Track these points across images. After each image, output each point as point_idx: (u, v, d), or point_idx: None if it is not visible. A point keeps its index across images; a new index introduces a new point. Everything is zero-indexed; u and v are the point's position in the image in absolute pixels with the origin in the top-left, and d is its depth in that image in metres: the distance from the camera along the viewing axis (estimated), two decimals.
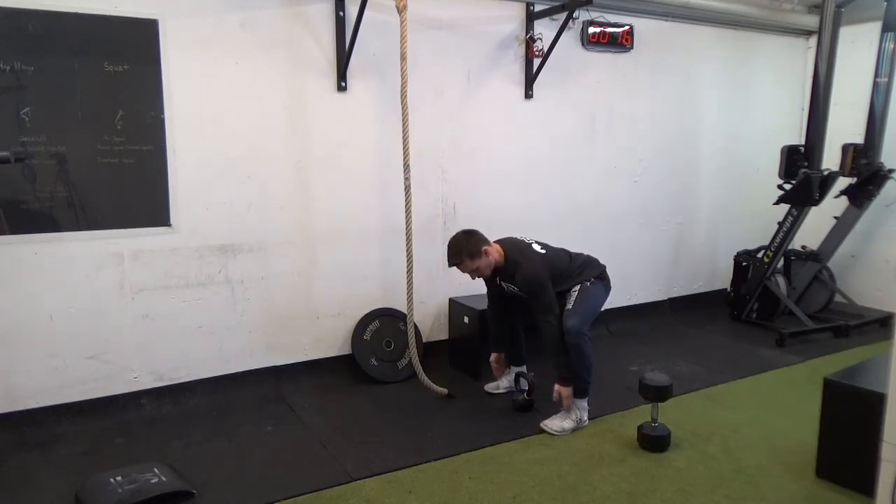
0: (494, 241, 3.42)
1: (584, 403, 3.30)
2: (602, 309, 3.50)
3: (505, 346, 3.68)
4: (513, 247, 3.40)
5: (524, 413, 3.45)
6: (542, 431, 3.23)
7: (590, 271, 3.46)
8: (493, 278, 3.47)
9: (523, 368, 3.76)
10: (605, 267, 3.53)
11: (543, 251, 3.42)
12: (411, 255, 3.56)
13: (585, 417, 3.30)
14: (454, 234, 3.40)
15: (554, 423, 3.24)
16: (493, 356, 3.66)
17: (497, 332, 3.67)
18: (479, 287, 4.23)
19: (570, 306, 3.31)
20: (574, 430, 3.25)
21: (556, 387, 3.28)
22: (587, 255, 3.57)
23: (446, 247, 3.37)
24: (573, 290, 3.37)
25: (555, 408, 3.34)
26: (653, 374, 3.13)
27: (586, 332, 3.26)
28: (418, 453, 3.01)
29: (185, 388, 3.55)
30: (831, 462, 2.76)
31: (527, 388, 3.46)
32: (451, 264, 3.36)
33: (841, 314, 5.20)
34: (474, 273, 3.37)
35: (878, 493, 1.90)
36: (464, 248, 3.29)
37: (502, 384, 3.76)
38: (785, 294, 5.12)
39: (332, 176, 3.83)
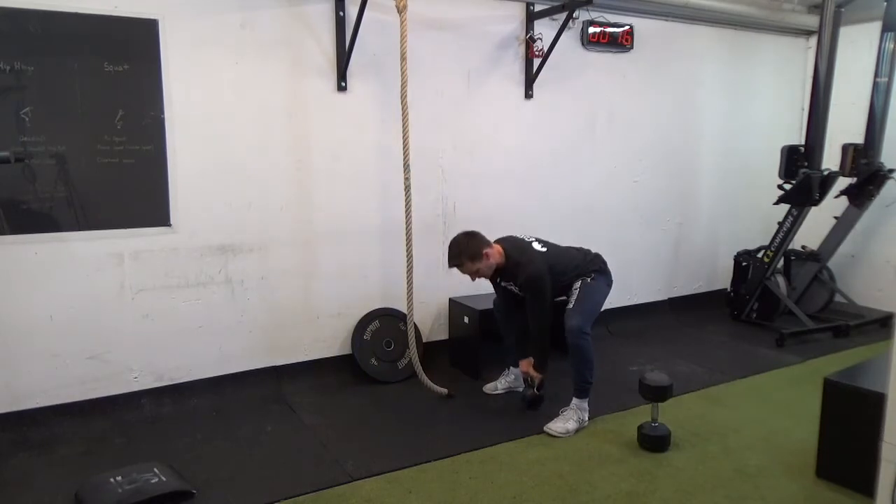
0: (495, 241, 3.42)
1: (584, 404, 3.30)
2: (603, 307, 3.49)
3: (521, 347, 3.59)
4: (513, 247, 3.40)
5: (534, 409, 3.45)
6: (542, 432, 3.23)
7: (591, 266, 3.45)
8: (495, 279, 3.48)
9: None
10: (605, 261, 3.53)
11: (544, 249, 3.43)
12: (411, 255, 3.56)
13: (586, 417, 3.30)
14: (455, 234, 3.40)
15: (557, 426, 3.23)
16: (522, 364, 3.53)
17: (516, 335, 3.59)
18: (479, 287, 4.23)
19: (571, 305, 3.31)
20: (577, 430, 3.24)
21: (529, 368, 3.40)
22: (587, 250, 3.57)
23: (447, 247, 3.37)
24: (574, 286, 3.37)
25: (557, 409, 3.34)
26: (653, 374, 3.13)
27: (588, 331, 3.26)
28: (418, 453, 3.01)
29: (185, 388, 3.55)
30: (831, 462, 2.75)
31: (536, 383, 3.45)
32: (451, 265, 3.37)
33: (841, 314, 5.20)
34: (474, 275, 3.37)
35: (878, 493, 1.90)
36: (464, 250, 3.29)
37: (500, 385, 3.76)
38: (785, 294, 5.12)
39: (332, 176, 3.83)
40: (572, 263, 3.44)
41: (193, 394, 3.56)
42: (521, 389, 3.69)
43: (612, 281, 3.53)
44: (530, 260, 3.32)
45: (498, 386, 3.76)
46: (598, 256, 3.54)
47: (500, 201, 4.41)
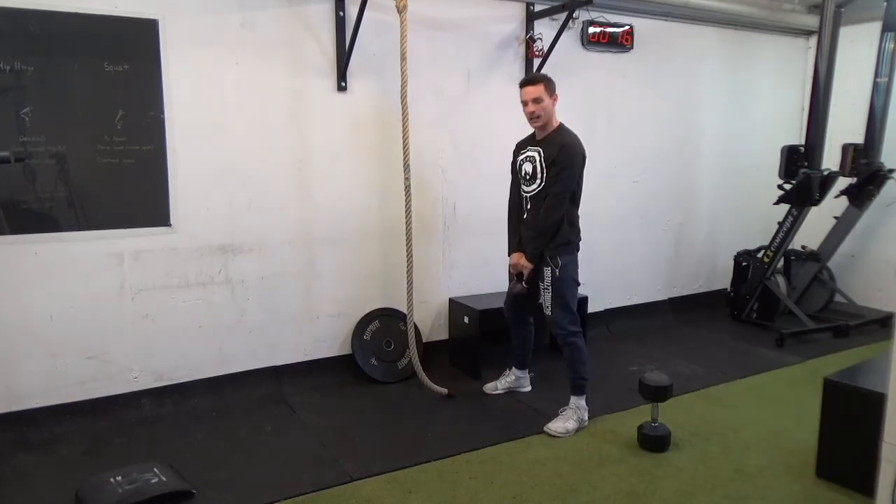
0: None
1: (582, 402, 3.30)
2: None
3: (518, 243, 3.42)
4: (570, 130, 3.31)
5: (520, 304, 3.41)
6: (542, 431, 3.23)
7: (569, 240, 3.27)
8: (523, 148, 3.37)
9: (525, 373, 3.75)
10: (579, 232, 3.37)
11: None
12: (411, 255, 3.56)
13: (586, 417, 3.30)
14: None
15: (557, 426, 3.23)
16: (513, 256, 3.39)
17: (515, 229, 3.45)
18: (479, 287, 4.24)
19: (549, 310, 3.28)
20: (577, 430, 3.24)
21: (521, 260, 3.26)
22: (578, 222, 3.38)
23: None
24: (545, 273, 3.25)
25: (556, 410, 3.34)
26: (653, 374, 3.13)
27: (576, 328, 3.28)
28: (418, 453, 3.01)
29: (185, 388, 3.55)
30: (831, 462, 2.76)
31: (526, 276, 3.32)
32: (525, 83, 3.26)
33: (841, 314, 5.20)
34: (535, 105, 3.19)
35: (878, 493, 1.91)
36: (548, 79, 3.24)
37: (500, 385, 3.76)
38: (785, 294, 5.12)
39: (332, 176, 3.83)
40: (577, 217, 3.33)
41: (193, 394, 3.55)
42: (521, 389, 3.69)
43: (579, 247, 3.36)
44: (578, 140, 3.24)
45: (498, 386, 3.76)
46: (576, 228, 3.36)
47: (501, 201, 4.37)
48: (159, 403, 3.47)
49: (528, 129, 3.41)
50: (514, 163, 3.47)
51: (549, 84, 3.23)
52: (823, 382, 2.78)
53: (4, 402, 3.15)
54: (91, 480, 2.67)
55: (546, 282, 3.28)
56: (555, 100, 3.25)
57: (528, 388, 3.77)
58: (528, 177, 3.31)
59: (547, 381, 3.84)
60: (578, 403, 3.29)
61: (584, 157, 3.25)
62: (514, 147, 3.49)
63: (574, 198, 3.29)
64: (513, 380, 3.74)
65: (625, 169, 4.98)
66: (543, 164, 3.23)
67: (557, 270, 3.24)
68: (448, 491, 2.71)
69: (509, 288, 3.49)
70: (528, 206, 3.34)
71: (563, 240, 3.25)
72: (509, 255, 3.48)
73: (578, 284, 3.37)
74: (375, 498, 2.66)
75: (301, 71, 3.66)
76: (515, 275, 3.40)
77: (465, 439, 3.15)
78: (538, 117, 3.24)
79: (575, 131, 3.31)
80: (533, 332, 3.68)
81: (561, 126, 3.30)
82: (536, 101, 3.20)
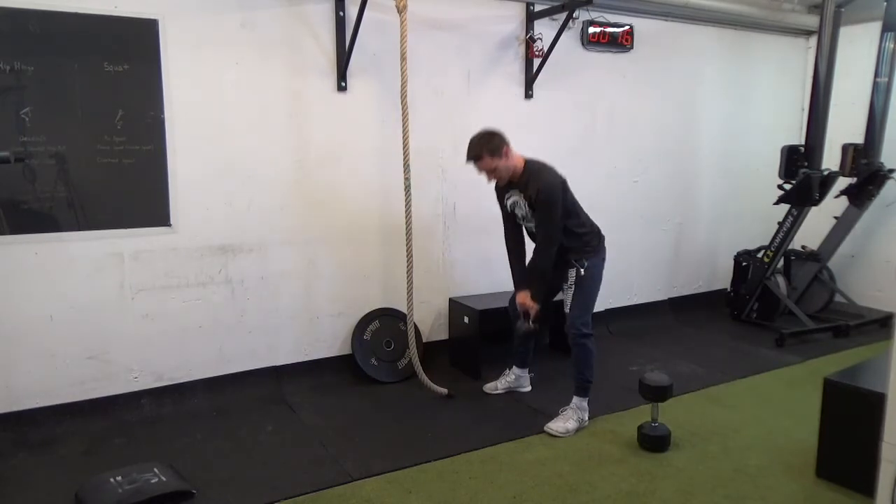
0: None
1: (584, 403, 3.30)
2: (604, 307, 3.47)
3: (524, 281, 3.41)
4: (535, 161, 3.28)
5: (526, 342, 3.45)
6: (542, 431, 3.23)
7: (589, 244, 3.31)
8: (506, 191, 3.34)
9: (526, 372, 3.75)
10: (603, 237, 3.41)
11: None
12: (411, 255, 3.56)
13: (586, 417, 3.30)
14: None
15: (558, 426, 3.23)
16: (519, 295, 3.36)
17: (517, 266, 3.46)
18: (479, 287, 4.24)
19: (569, 306, 3.28)
20: (577, 430, 3.24)
21: (526, 300, 3.27)
22: (592, 222, 3.41)
23: (467, 145, 3.20)
24: (569, 276, 3.26)
25: (557, 409, 3.34)
26: (653, 374, 3.13)
27: (589, 331, 3.25)
28: (418, 453, 3.01)
29: (185, 388, 3.55)
30: (831, 462, 2.75)
31: (532, 315, 3.34)
32: (468, 159, 3.19)
33: (841, 314, 5.20)
34: (492, 174, 3.21)
35: (878, 493, 1.91)
36: (485, 144, 3.14)
37: (500, 385, 3.76)
38: (785, 294, 5.12)
39: (332, 176, 3.83)
40: (584, 222, 3.33)
41: (193, 394, 3.56)
42: (521, 389, 3.69)
43: (605, 257, 3.39)
44: (550, 170, 3.21)
45: (498, 386, 3.76)
46: (598, 232, 3.41)
47: None
48: (159, 403, 3.47)
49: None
50: (501, 204, 3.44)
51: (490, 147, 3.13)
52: (823, 382, 2.77)
53: (4, 402, 3.15)
54: (91, 480, 2.67)
55: (570, 281, 3.27)
56: (507, 152, 3.16)
57: (528, 388, 3.76)
58: (523, 216, 3.32)
59: (547, 381, 3.83)
60: (580, 404, 3.29)
61: (562, 186, 3.21)
62: (494, 189, 3.46)
63: (570, 213, 3.26)
64: (513, 379, 3.74)
65: (625, 169, 4.98)
66: (531, 206, 3.23)
67: (583, 270, 3.25)
68: (448, 491, 2.71)
69: (517, 326, 3.48)
70: (534, 235, 3.36)
71: (587, 245, 3.29)
72: (515, 291, 3.46)
73: (598, 291, 3.35)
74: (375, 498, 2.66)
75: (301, 71, 3.66)
76: (522, 313, 3.43)
77: (465, 439, 3.15)
78: (501, 178, 3.25)
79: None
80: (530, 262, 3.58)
81: (527, 165, 3.24)
82: (491, 171, 3.20)
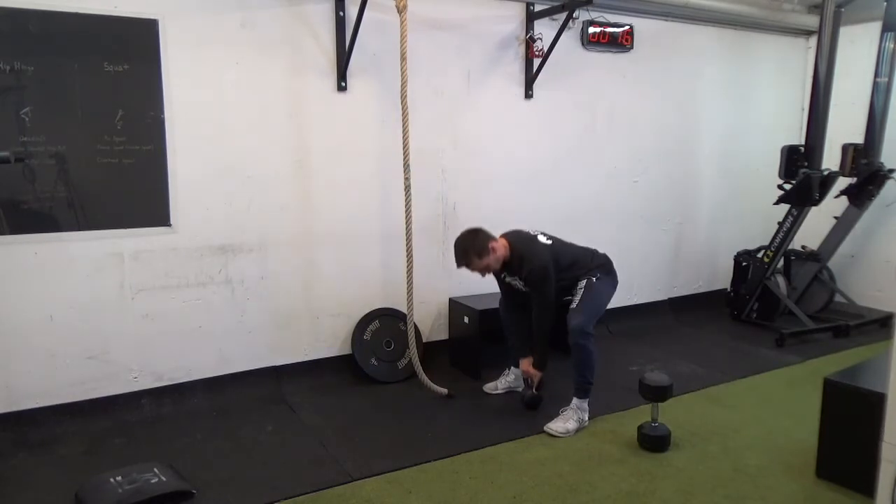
0: (500, 235, 3.42)
1: (584, 404, 3.30)
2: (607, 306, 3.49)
3: (523, 346, 3.56)
4: (519, 240, 3.39)
5: (533, 409, 3.46)
6: (542, 431, 3.23)
7: (596, 263, 3.45)
8: (500, 273, 3.48)
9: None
10: (612, 262, 3.53)
11: (549, 242, 3.41)
12: (411, 255, 3.56)
13: (586, 417, 3.30)
14: (459, 234, 3.38)
15: (557, 426, 3.23)
16: (522, 363, 3.52)
17: (518, 334, 3.59)
18: (479, 287, 4.23)
19: (575, 305, 3.30)
20: (577, 430, 3.24)
21: (529, 368, 3.43)
22: (594, 250, 3.56)
23: (453, 248, 3.37)
24: (579, 285, 3.35)
25: (557, 409, 3.34)
26: (653, 374, 3.13)
27: (591, 331, 3.25)
28: (418, 453, 3.01)
29: (185, 388, 3.55)
30: (831, 462, 2.75)
31: (535, 383, 3.46)
32: (459, 265, 3.35)
33: (841, 314, 5.20)
34: (484, 271, 3.36)
35: (878, 493, 1.91)
36: (470, 248, 3.28)
37: (500, 385, 3.76)
38: (785, 294, 5.12)
39: (332, 176, 3.83)
40: (578, 260, 3.43)
41: (193, 394, 3.56)
42: (521, 389, 3.69)
43: (617, 282, 3.53)
44: (535, 253, 3.31)
45: (498, 386, 3.76)
46: (605, 257, 3.53)
47: (500, 201, 4.41)
48: (159, 403, 3.47)
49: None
50: (498, 280, 3.56)
51: (477, 249, 3.26)
52: (823, 382, 2.77)
53: (4, 402, 3.15)
54: (91, 480, 2.67)
55: (580, 286, 3.34)
56: (493, 247, 3.27)
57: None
58: (521, 291, 3.43)
59: (547, 380, 3.82)
60: (580, 405, 3.29)
61: (546, 270, 3.27)
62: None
63: (564, 269, 3.35)
64: (513, 379, 3.74)
65: (625, 169, 4.98)
66: (524, 284, 3.37)
67: (594, 279, 3.36)
68: (448, 491, 2.71)
69: (521, 392, 3.56)
70: (535, 307, 3.41)
71: (583, 270, 3.39)
72: (518, 359, 3.58)
73: (605, 305, 3.44)
74: (375, 498, 2.66)
75: (301, 71, 3.66)
76: (524, 380, 3.52)
77: (465, 439, 3.15)
78: (493, 270, 3.38)
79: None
80: (529, 329, 3.63)
81: (512, 249, 3.34)
82: (483, 269, 3.33)
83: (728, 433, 3.24)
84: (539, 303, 3.32)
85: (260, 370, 3.75)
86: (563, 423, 3.23)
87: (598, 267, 3.44)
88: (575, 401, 3.29)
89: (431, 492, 2.70)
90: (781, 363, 4.26)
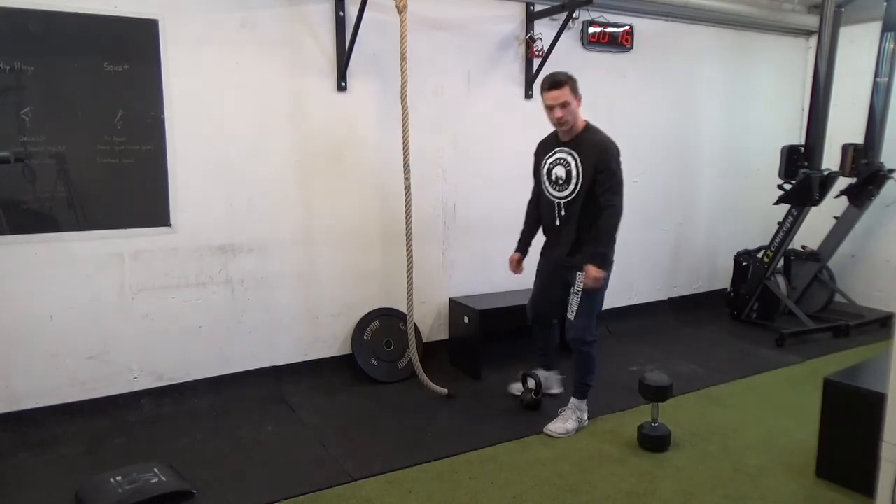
0: None
1: (583, 404, 3.29)
2: (604, 307, 3.40)
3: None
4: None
5: (532, 411, 3.45)
6: (542, 432, 3.23)
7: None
8: (549, 150, 3.21)
9: (554, 373, 3.66)
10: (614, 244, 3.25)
11: None
12: (411, 255, 3.56)
13: (585, 417, 3.30)
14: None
15: (557, 427, 3.22)
16: (590, 269, 3.06)
17: (528, 230, 3.43)
18: (479, 287, 4.24)
19: (573, 314, 3.17)
20: (577, 430, 3.24)
21: (587, 269, 3.03)
22: None
23: (548, 75, 3.09)
24: (577, 278, 3.12)
25: (555, 410, 3.34)
26: (653, 374, 3.13)
27: (593, 337, 3.21)
28: (418, 453, 3.01)
29: (185, 388, 3.55)
30: (831, 462, 2.76)
31: (534, 387, 3.46)
32: (549, 86, 3.04)
33: (841, 314, 5.20)
34: (563, 109, 3.03)
35: (878, 493, 1.91)
36: (569, 78, 3.05)
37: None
38: (785, 294, 5.12)
39: (332, 176, 3.83)
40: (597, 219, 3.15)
41: (193, 394, 3.55)
42: (550, 391, 3.60)
43: (613, 266, 3.26)
44: (610, 138, 3.10)
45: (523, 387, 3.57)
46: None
47: (500, 201, 4.40)
48: (159, 403, 3.47)
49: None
50: (537, 165, 3.33)
51: (573, 84, 3.06)
52: (823, 382, 2.78)
53: (4, 402, 3.15)
54: (91, 480, 2.67)
55: (577, 287, 3.15)
56: (579, 100, 3.09)
57: (558, 390, 3.64)
58: (560, 181, 3.15)
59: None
60: (579, 405, 3.28)
61: (617, 150, 3.10)
62: (535, 148, 3.38)
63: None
64: (542, 379, 3.55)
65: (625, 168, 4.94)
66: (580, 168, 3.07)
67: None
68: (448, 491, 2.71)
69: (520, 396, 3.50)
70: (562, 213, 3.19)
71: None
72: (516, 252, 3.44)
73: (603, 299, 3.27)
74: (375, 498, 2.66)
75: (301, 71, 3.66)
76: (523, 383, 3.46)
77: (465, 439, 3.15)
78: (566, 122, 3.09)
79: None
80: (557, 332, 3.60)
81: (588, 125, 3.16)
82: (564, 105, 3.04)
83: (728, 433, 3.24)
84: (608, 188, 3.00)
85: (260, 370, 3.75)
86: (563, 424, 3.23)
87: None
88: (573, 401, 3.29)
89: (431, 492, 2.70)
90: (781, 363, 4.26)
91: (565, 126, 3.12)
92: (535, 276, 3.51)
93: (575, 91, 3.07)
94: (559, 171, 3.17)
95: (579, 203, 3.13)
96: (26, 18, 2.99)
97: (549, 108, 3.10)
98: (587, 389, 3.28)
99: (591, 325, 3.21)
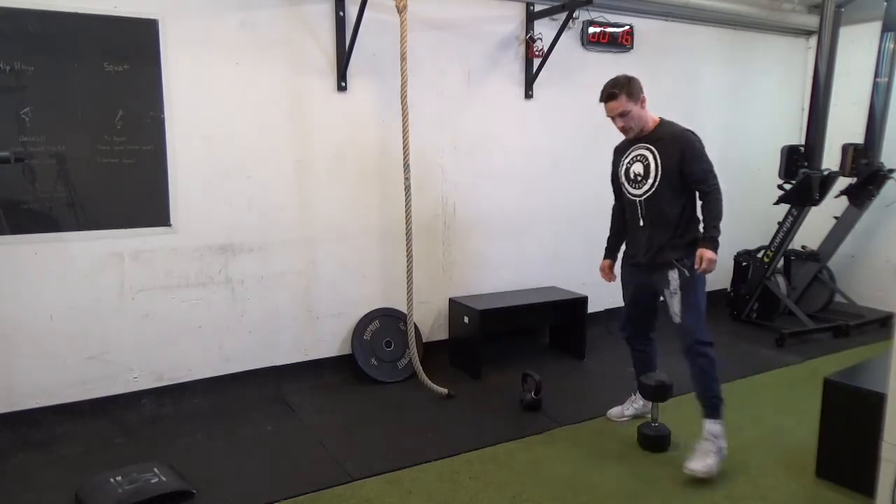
0: None
1: (718, 426, 2.83)
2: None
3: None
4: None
5: (532, 412, 3.45)
6: (542, 432, 3.22)
7: (692, 237, 2.89)
8: (627, 149, 3.04)
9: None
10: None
11: None
12: (411, 255, 3.56)
13: (724, 445, 2.83)
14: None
15: (697, 466, 2.76)
16: (706, 253, 2.77)
17: (614, 236, 3.29)
18: (479, 287, 4.24)
19: (677, 315, 2.90)
20: (719, 462, 2.79)
21: (702, 251, 2.76)
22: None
23: (605, 84, 2.93)
24: (671, 277, 2.89)
25: (556, 409, 3.33)
26: (653, 374, 3.13)
27: (707, 339, 2.86)
28: (418, 453, 3.01)
29: (185, 388, 3.55)
30: (831, 462, 2.75)
31: (534, 387, 3.46)
32: (604, 97, 2.90)
33: (841, 314, 5.20)
34: (623, 118, 2.88)
35: (878, 493, 1.91)
36: (624, 85, 2.85)
37: (626, 411, 3.38)
38: (785, 294, 5.12)
39: (332, 176, 3.83)
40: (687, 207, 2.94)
41: (193, 394, 3.56)
42: (647, 415, 3.33)
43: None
44: (692, 130, 2.90)
45: (624, 412, 3.40)
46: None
47: (501, 201, 4.41)
48: (159, 403, 3.47)
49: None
50: (615, 169, 3.15)
51: (630, 88, 2.85)
52: (823, 382, 2.77)
53: (4, 402, 3.15)
54: (91, 480, 2.67)
55: (673, 286, 2.88)
56: (643, 102, 2.90)
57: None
58: (638, 178, 2.97)
59: (549, 381, 3.82)
60: (714, 430, 2.82)
61: (701, 140, 2.90)
62: (612, 157, 3.21)
63: (693, 197, 2.93)
64: (641, 405, 3.35)
65: None
66: (658, 162, 2.89)
67: (687, 271, 2.85)
68: (448, 491, 2.71)
69: (520, 396, 3.48)
70: (643, 212, 2.97)
71: (692, 237, 2.89)
72: (605, 259, 3.33)
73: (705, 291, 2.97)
74: (375, 498, 2.66)
75: (301, 71, 3.66)
76: (523, 383, 3.44)
77: (465, 439, 3.15)
78: (630, 129, 2.94)
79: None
80: (656, 348, 3.33)
81: (662, 121, 2.97)
82: (623, 115, 2.88)
83: (728, 433, 3.23)
84: (703, 176, 2.81)
85: (260, 370, 3.75)
86: (704, 461, 2.77)
87: (694, 242, 2.87)
88: (707, 425, 2.84)
89: (431, 492, 2.70)
90: (781, 363, 4.26)
91: (631, 133, 2.97)
92: (621, 289, 3.30)
93: (632, 96, 2.86)
94: (637, 168, 2.99)
95: (661, 199, 2.91)
96: (26, 18, 2.99)
97: (611, 119, 2.97)
98: (719, 404, 2.84)
99: (703, 323, 2.88)
